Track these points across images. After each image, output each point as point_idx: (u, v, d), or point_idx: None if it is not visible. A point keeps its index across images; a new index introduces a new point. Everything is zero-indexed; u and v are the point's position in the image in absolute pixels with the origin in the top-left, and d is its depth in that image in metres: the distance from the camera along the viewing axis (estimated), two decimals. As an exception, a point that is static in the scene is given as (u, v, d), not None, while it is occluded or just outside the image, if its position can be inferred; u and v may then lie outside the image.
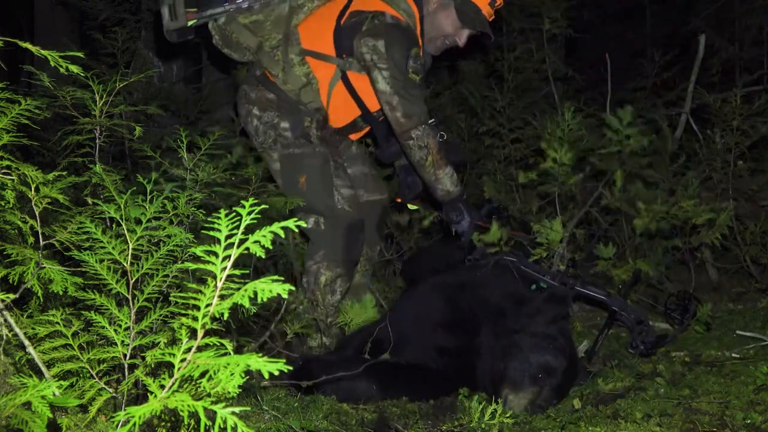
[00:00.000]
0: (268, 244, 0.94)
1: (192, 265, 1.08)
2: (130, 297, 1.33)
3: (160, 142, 2.84)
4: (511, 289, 2.52)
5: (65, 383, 1.19)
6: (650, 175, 3.04)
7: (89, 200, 1.65)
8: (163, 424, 1.13)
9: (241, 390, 0.90)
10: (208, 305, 0.96)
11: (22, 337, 1.21)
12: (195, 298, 0.97)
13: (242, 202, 0.96)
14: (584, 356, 2.55)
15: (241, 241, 0.94)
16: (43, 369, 1.22)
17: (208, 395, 0.93)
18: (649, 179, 3.05)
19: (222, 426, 0.84)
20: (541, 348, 2.20)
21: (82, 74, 1.27)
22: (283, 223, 0.94)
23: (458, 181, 2.77)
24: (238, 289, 0.94)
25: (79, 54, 1.24)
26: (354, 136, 3.00)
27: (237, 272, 0.95)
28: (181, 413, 0.89)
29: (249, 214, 0.95)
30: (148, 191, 1.55)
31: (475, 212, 2.81)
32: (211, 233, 0.95)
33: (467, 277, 2.71)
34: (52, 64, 1.19)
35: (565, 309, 2.36)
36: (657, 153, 3.49)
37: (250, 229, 0.95)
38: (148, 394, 0.96)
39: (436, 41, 2.80)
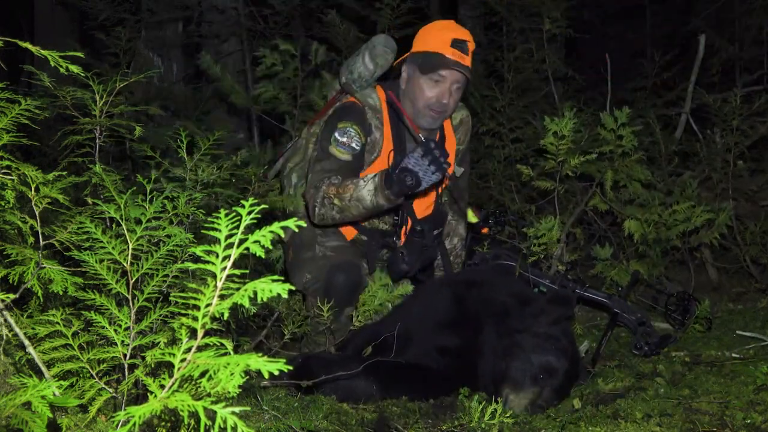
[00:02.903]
0: (268, 244, 0.94)
1: (192, 265, 1.08)
2: (130, 297, 1.33)
3: (160, 142, 2.85)
4: (515, 289, 2.52)
5: (65, 383, 1.19)
6: (645, 176, 3.02)
7: (89, 200, 1.65)
8: (163, 424, 1.13)
9: (241, 390, 0.90)
10: (208, 305, 0.96)
11: (22, 337, 1.21)
12: (195, 298, 0.97)
13: (242, 202, 0.96)
14: (585, 356, 2.56)
15: (241, 241, 0.94)
16: (43, 369, 1.22)
17: (208, 395, 0.93)
18: (644, 180, 3.04)
19: (222, 426, 0.84)
20: (544, 348, 2.19)
21: (82, 74, 1.27)
22: (283, 223, 0.94)
23: (372, 176, 2.41)
24: (238, 289, 0.94)
25: (80, 54, 1.23)
26: None
27: (237, 272, 0.95)
28: (181, 413, 0.89)
29: (249, 214, 0.95)
30: (148, 191, 1.55)
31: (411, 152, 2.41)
32: (211, 233, 0.95)
33: (472, 276, 2.71)
34: (52, 64, 1.19)
35: (570, 310, 2.35)
36: (650, 154, 3.48)
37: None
38: (148, 394, 0.96)
39: (424, 113, 2.63)
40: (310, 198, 2.53)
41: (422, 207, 2.79)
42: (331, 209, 2.47)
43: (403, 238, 2.71)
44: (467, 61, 2.58)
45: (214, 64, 3.56)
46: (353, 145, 2.58)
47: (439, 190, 2.81)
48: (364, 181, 2.42)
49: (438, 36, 2.59)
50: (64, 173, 1.43)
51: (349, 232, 2.76)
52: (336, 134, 2.57)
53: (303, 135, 2.87)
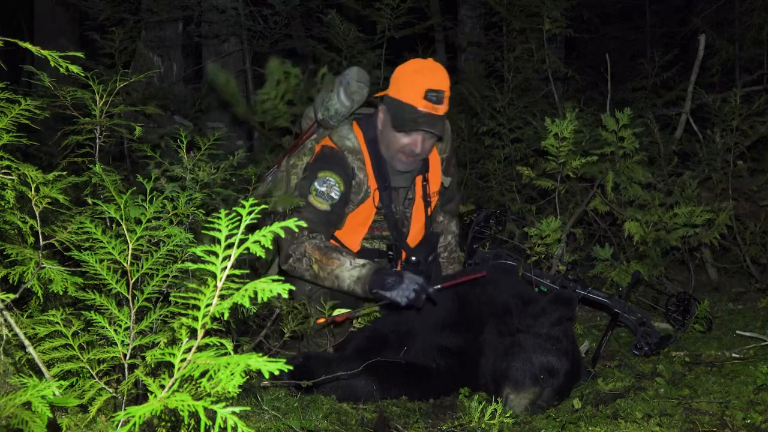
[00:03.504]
0: (269, 244, 0.94)
1: (192, 265, 1.08)
2: (130, 297, 1.33)
3: (159, 142, 2.84)
4: (517, 288, 2.51)
5: (65, 383, 1.19)
6: (646, 178, 3.02)
7: (89, 200, 1.65)
8: (163, 423, 1.13)
9: (241, 390, 0.90)
10: (208, 305, 0.96)
11: (22, 337, 1.21)
12: (195, 298, 0.97)
13: (242, 202, 0.96)
14: (585, 356, 2.56)
15: (241, 241, 0.94)
16: (43, 369, 1.22)
17: (208, 395, 0.93)
18: (644, 182, 3.04)
19: (222, 426, 0.84)
20: (545, 349, 2.19)
21: (82, 74, 1.27)
22: (284, 223, 0.94)
23: (361, 264, 2.44)
24: (238, 289, 0.94)
25: (80, 54, 1.24)
26: None
27: (237, 272, 0.95)
28: (181, 413, 0.89)
29: (249, 214, 0.95)
30: (148, 191, 1.55)
31: (416, 276, 2.39)
32: (212, 233, 0.95)
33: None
34: (52, 64, 1.19)
35: (571, 311, 2.35)
36: (650, 155, 3.48)
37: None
38: (148, 394, 0.96)
39: (398, 158, 2.63)
40: (286, 244, 2.52)
41: (415, 235, 2.78)
42: (307, 270, 2.49)
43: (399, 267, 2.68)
44: (441, 110, 2.54)
45: (221, 74, 3.43)
46: (332, 194, 2.59)
47: (428, 211, 2.80)
48: (351, 265, 2.43)
49: (412, 85, 2.53)
50: (64, 173, 1.43)
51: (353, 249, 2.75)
52: (316, 183, 2.58)
53: (282, 167, 2.85)
